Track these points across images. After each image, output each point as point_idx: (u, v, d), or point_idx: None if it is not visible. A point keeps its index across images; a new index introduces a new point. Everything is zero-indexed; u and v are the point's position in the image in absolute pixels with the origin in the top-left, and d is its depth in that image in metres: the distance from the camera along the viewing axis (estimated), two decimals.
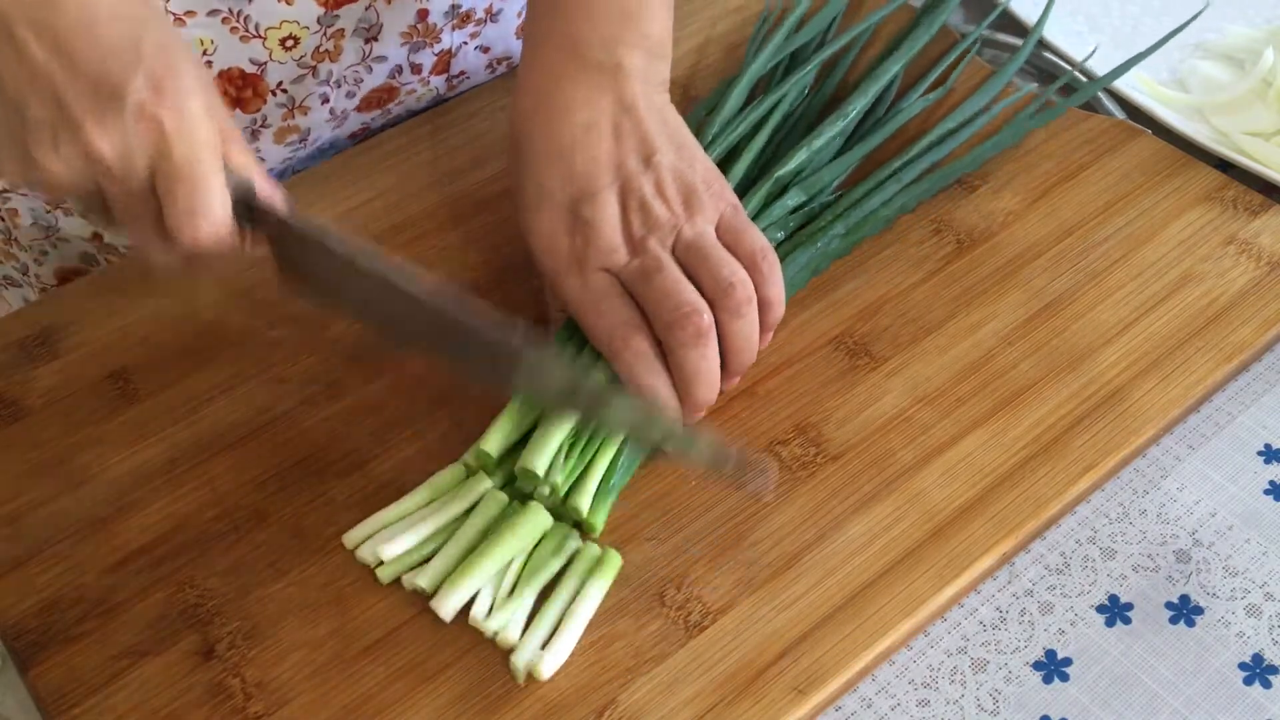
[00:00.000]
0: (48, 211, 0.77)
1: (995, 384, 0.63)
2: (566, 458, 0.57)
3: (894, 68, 0.74)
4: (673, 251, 0.60)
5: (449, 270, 0.69)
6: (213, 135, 0.52)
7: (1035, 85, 0.77)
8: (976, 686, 0.54)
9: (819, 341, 0.65)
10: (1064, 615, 0.56)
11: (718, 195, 0.62)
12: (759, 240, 0.61)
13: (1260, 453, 0.62)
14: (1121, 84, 0.79)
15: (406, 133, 0.77)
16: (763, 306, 0.60)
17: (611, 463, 0.57)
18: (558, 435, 0.57)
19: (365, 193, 0.74)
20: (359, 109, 0.78)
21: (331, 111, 0.77)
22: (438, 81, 0.80)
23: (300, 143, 0.78)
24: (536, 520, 0.56)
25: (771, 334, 0.62)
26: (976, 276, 0.68)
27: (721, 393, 0.60)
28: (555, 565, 0.56)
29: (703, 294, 0.59)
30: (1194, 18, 0.77)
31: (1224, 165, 0.74)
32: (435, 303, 0.54)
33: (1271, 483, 0.61)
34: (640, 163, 0.61)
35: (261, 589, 0.56)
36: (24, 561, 0.58)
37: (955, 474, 0.59)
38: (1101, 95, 0.79)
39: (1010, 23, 0.84)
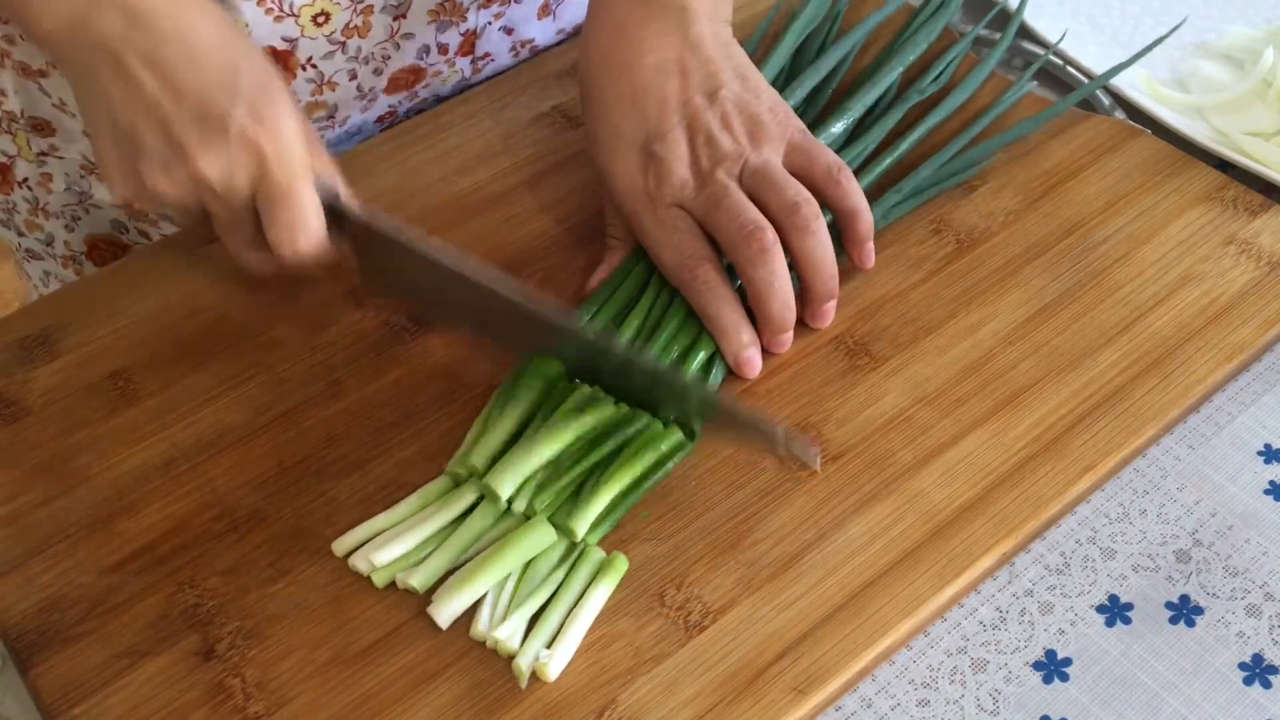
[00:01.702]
0: (81, 177, 0.79)
1: (995, 384, 0.63)
2: (541, 486, 0.57)
3: (895, 70, 0.75)
4: (740, 180, 0.63)
5: None
6: (306, 156, 0.57)
7: (1035, 85, 0.77)
8: (976, 686, 0.54)
9: (819, 341, 0.65)
10: (1064, 615, 0.56)
11: (783, 123, 0.65)
12: (831, 157, 0.64)
13: (1260, 453, 0.62)
14: (1122, 84, 0.79)
15: (406, 133, 0.77)
16: (849, 218, 0.65)
17: (620, 496, 0.57)
18: (532, 460, 0.57)
19: (365, 193, 0.74)
20: (387, 90, 0.79)
21: (359, 89, 0.78)
22: (463, 64, 0.81)
23: (329, 120, 0.79)
24: (539, 535, 0.56)
25: (868, 246, 0.65)
26: (976, 276, 0.68)
27: (809, 327, 0.65)
28: (558, 576, 0.56)
29: (771, 218, 0.62)
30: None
31: (1224, 165, 0.74)
32: (514, 296, 0.57)
33: (1271, 483, 0.61)
34: (706, 98, 0.64)
35: (261, 589, 0.56)
36: (24, 561, 0.58)
37: (955, 474, 0.59)
38: (1101, 95, 0.79)
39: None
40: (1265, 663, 0.55)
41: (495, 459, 0.58)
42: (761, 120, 0.64)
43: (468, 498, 0.57)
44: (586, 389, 0.60)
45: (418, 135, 0.77)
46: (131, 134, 0.56)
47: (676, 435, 0.58)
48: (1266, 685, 0.54)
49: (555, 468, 0.57)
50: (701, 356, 0.62)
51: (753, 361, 0.63)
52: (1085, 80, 0.80)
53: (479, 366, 0.64)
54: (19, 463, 0.62)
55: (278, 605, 0.56)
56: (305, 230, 0.57)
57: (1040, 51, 0.82)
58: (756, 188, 0.63)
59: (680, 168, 0.64)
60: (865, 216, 0.64)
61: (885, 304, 0.67)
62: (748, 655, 0.54)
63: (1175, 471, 0.61)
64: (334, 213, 0.59)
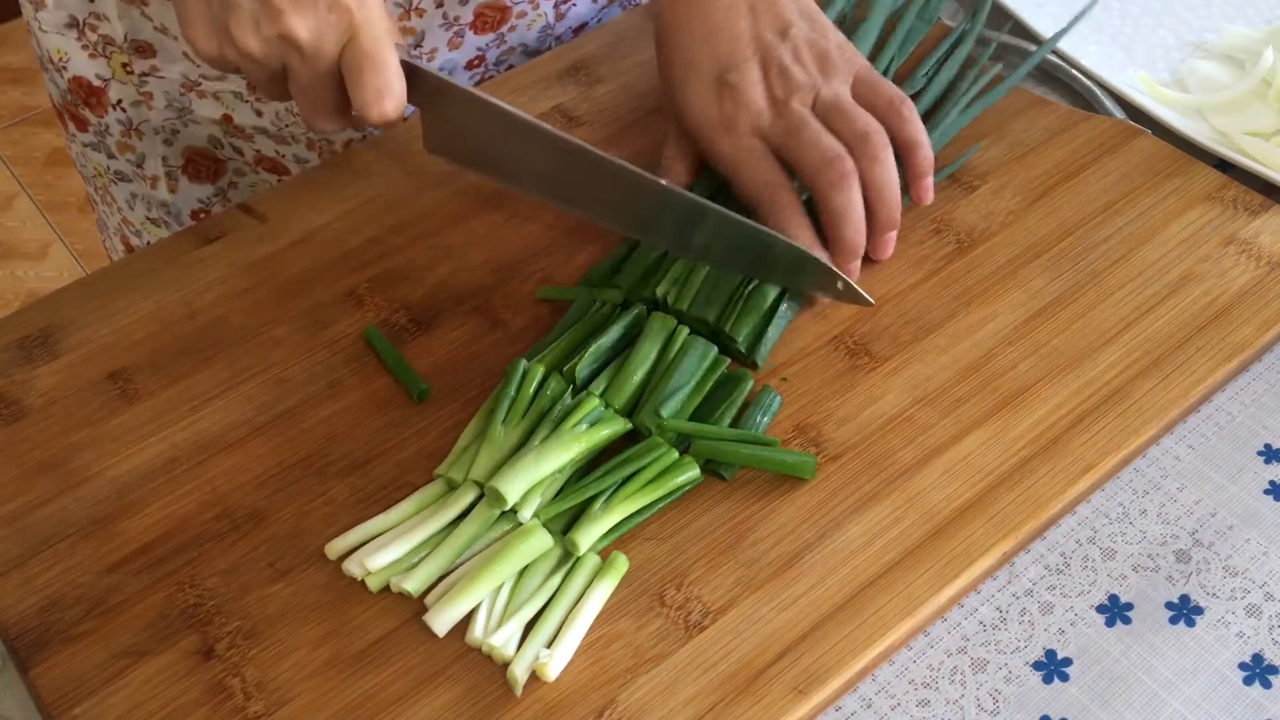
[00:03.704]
0: (182, 94, 0.82)
1: (995, 384, 0.63)
2: (549, 497, 0.57)
3: (887, 57, 0.75)
4: (813, 110, 0.67)
5: (450, 270, 0.69)
6: (390, 22, 0.59)
7: (1002, 66, 0.77)
8: (976, 686, 0.54)
9: (819, 341, 0.65)
10: (1064, 615, 0.56)
11: (849, 59, 0.69)
12: (894, 90, 0.68)
13: (1260, 453, 0.62)
14: (1122, 84, 0.79)
15: (406, 131, 0.77)
16: (908, 148, 0.68)
17: (628, 518, 0.57)
18: (540, 468, 0.56)
19: (365, 193, 0.74)
20: (474, 27, 0.81)
21: (445, 16, 0.80)
22: (546, 7, 0.84)
23: (415, 50, 0.81)
24: (535, 542, 0.55)
25: (927, 181, 0.68)
26: (976, 276, 0.68)
27: (874, 259, 0.68)
28: (554, 583, 0.55)
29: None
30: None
31: (1224, 165, 0.74)
32: (581, 149, 0.60)
33: (1271, 483, 0.61)
34: (777, 35, 0.69)
35: (261, 589, 0.56)
36: (24, 561, 0.58)
37: (955, 474, 0.59)
38: (1101, 95, 0.79)
39: (1013, 25, 0.84)
40: (1265, 663, 0.55)
41: (499, 466, 0.58)
42: (830, 55, 0.68)
43: (461, 503, 0.57)
44: (595, 400, 0.60)
45: (417, 134, 0.77)
46: None
47: (692, 469, 0.58)
48: (1266, 685, 0.54)
49: (560, 478, 0.57)
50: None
51: None
52: (1082, 78, 0.80)
53: (479, 366, 0.64)
54: (19, 463, 0.62)
55: (277, 605, 0.56)
56: (391, 95, 0.59)
57: (1032, 47, 0.82)
58: (828, 118, 0.66)
59: (756, 96, 0.67)
60: (925, 148, 0.68)
61: (885, 304, 0.67)
62: (748, 655, 0.54)
63: (1175, 471, 0.61)
64: (409, 74, 0.60)
